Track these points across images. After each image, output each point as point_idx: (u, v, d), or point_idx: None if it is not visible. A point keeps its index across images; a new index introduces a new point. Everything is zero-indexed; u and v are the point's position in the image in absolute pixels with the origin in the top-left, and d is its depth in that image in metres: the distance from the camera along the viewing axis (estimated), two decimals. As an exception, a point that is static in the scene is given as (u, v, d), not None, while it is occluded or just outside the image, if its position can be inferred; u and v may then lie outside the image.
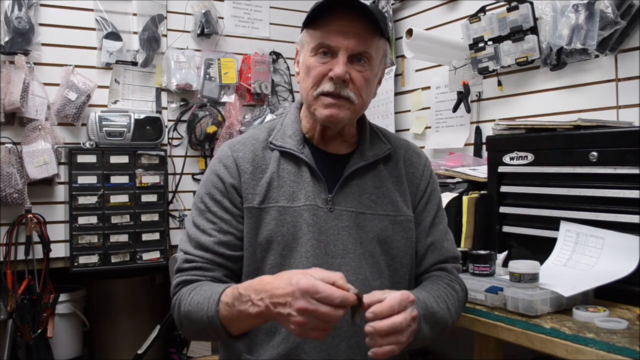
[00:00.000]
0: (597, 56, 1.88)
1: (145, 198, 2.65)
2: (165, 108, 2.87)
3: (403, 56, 2.77)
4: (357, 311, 1.01)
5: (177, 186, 2.85)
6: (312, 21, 1.20)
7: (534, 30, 2.04)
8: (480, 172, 1.96)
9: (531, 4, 2.04)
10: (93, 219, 2.54)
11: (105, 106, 2.72)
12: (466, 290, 1.34)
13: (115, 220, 2.59)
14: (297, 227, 1.21)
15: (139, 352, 2.51)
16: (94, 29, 2.69)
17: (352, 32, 1.17)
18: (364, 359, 1.20)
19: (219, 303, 1.09)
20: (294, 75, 3.14)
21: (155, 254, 2.67)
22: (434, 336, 1.17)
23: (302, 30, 1.26)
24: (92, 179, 2.55)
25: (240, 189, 1.23)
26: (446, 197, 1.88)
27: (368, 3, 1.19)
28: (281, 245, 1.20)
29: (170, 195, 2.81)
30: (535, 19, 2.04)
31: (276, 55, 3.13)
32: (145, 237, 2.65)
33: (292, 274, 1.00)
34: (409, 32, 2.24)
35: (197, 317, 1.12)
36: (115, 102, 2.75)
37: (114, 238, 2.58)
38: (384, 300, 1.01)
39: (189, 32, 2.94)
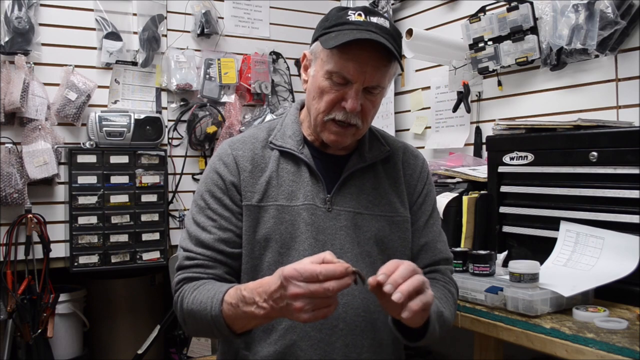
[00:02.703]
0: (597, 56, 1.88)
1: (145, 198, 2.65)
2: (165, 108, 2.87)
3: (403, 56, 2.76)
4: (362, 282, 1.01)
5: (177, 186, 2.85)
6: (332, 43, 1.16)
7: (534, 30, 2.04)
8: (480, 172, 1.96)
9: (531, 4, 2.04)
10: (93, 219, 2.54)
11: (105, 106, 2.72)
12: (458, 293, 1.35)
13: (115, 220, 2.58)
14: (295, 226, 1.22)
15: (139, 352, 2.51)
16: (94, 29, 2.69)
17: (370, 66, 1.16)
18: (360, 357, 1.21)
19: (223, 303, 1.10)
20: (294, 75, 3.15)
21: (155, 254, 2.67)
22: (440, 336, 1.19)
23: (315, 39, 1.23)
24: (92, 179, 2.54)
25: (240, 186, 1.24)
26: (446, 197, 1.88)
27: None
28: (279, 244, 1.22)
29: (170, 195, 2.81)
30: (535, 19, 2.04)
31: (276, 55, 3.13)
32: (145, 237, 2.65)
33: (282, 268, 1.01)
34: (409, 32, 2.24)
35: (200, 316, 1.13)
36: (115, 102, 2.74)
37: (114, 238, 2.58)
38: (398, 268, 1.01)
39: (189, 32, 2.94)
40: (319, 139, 1.29)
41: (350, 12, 1.19)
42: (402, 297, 0.97)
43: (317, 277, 0.96)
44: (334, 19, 1.20)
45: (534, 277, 1.35)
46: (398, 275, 0.99)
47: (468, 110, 2.40)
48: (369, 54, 1.15)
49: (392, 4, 2.84)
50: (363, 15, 1.17)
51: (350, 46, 1.14)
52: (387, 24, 1.18)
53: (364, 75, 1.16)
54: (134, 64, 2.76)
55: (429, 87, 2.71)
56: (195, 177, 2.92)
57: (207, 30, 2.89)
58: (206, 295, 1.13)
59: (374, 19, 1.17)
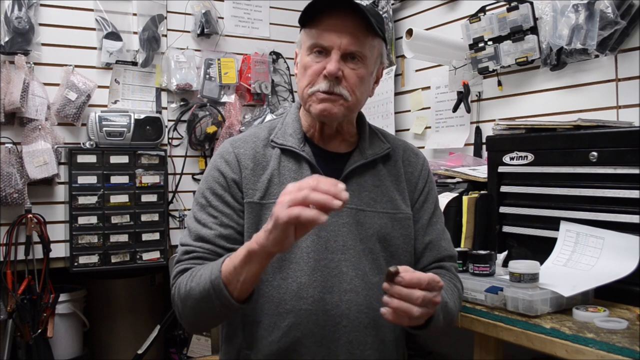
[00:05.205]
0: (597, 56, 1.88)
1: (145, 198, 2.65)
2: (165, 108, 2.87)
3: (403, 56, 2.77)
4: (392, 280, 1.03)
5: (177, 186, 2.85)
6: (307, 20, 1.22)
7: (534, 30, 2.04)
8: (480, 172, 1.96)
9: (531, 4, 2.04)
10: (93, 219, 2.54)
11: (105, 106, 2.72)
12: (463, 289, 1.37)
13: (115, 220, 2.59)
14: None
15: (139, 352, 2.51)
16: (94, 29, 2.69)
17: (346, 32, 1.19)
18: (363, 354, 1.22)
19: (223, 263, 1.09)
20: (294, 75, 3.15)
21: (155, 254, 2.67)
22: (445, 326, 1.20)
23: (300, 30, 1.28)
24: (92, 179, 2.55)
25: (242, 184, 1.25)
26: (446, 197, 1.88)
27: (365, 3, 1.21)
28: None
29: (170, 195, 2.81)
30: (535, 19, 2.04)
31: (276, 55, 3.13)
32: (145, 237, 2.65)
33: None
34: (409, 32, 2.24)
35: (199, 290, 1.11)
36: (115, 102, 2.75)
37: (114, 238, 2.58)
38: (418, 273, 1.03)
39: (189, 32, 2.94)
40: (318, 130, 1.30)
41: None
42: (388, 315, 1.02)
43: (313, 186, 0.94)
44: (308, 3, 1.22)
45: (534, 277, 1.35)
46: (405, 292, 1.01)
47: (468, 110, 2.40)
48: (342, 22, 1.19)
49: (392, 4, 2.85)
50: None
51: (325, 18, 1.19)
52: (364, 3, 1.22)
53: (340, 39, 1.19)
54: (134, 64, 2.76)
55: (429, 87, 2.71)
56: (195, 177, 2.92)
57: (207, 30, 2.90)
58: (207, 268, 1.13)
59: None
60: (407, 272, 1.02)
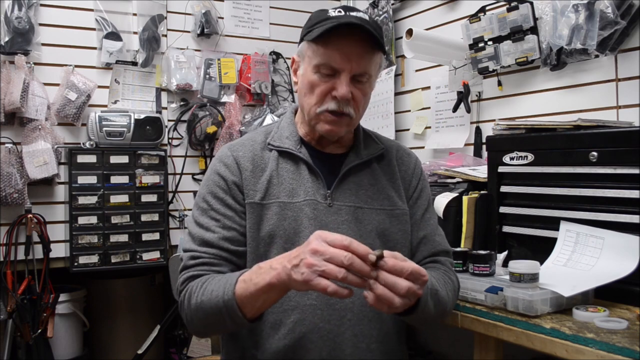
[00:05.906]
0: (597, 56, 1.88)
1: (145, 198, 2.65)
2: (165, 108, 2.87)
3: (403, 56, 2.77)
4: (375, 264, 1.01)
5: (177, 186, 2.85)
6: (316, 37, 1.22)
7: (534, 30, 2.04)
8: (480, 172, 1.96)
9: (531, 4, 2.04)
10: (93, 219, 2.54)
11: (105, 106, 2.72)
12: (459, 285, 1.37)
13: (115, 220, 2.58)
14: (298, 222, 1.25)
15: (139, 352, 2.51)
16: (94, 29, 2.69)
17: (355, 54, 1.21)
18: (369, 347, 1.24)
19: (237, 283, 1.10)
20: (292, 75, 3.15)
21: (155, 254, 2.66)
22: (436, 316, 1.21)
23: (301, 39, 1.29)
24: (92, 179, 2.54)
25: (242, 185, 1.27)
26: (446, 197, 1.88)
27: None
28: (283, 239, 1.24)
29: (170, 195, 2.81)
30: (535, 19, 2.04)
31: (276, 55, 3.13)
32: (145, 237, 2.64)
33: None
34: (409, 32, 2.24)
35: (211, 305, 1.12)
36: (115, 102, 2.74)
37: (114, 238, 2.58)
38: (405, 261, 1.02)
39: (189, 32, 2.94)
40: (315, 137, 1.33)
41: (330, 10, 1.25)
42: (370, 300, 1.00)
43: (347, 247, 0.97)
44: (315, 19, 1.25)
45: (534, 277, 1.35)
46: (391, 280, 0.99)
47: (468, 110, 2.40)
48: (352, 43, 1.20)
49: (392, 4, 2.84)
50: (343, 12, 1.23)
51: (334, 38, 1.19)
52: (366, 17, 1.23)
53: (350, 63, 1.21)
54: (134, 64, 2.76)
55: (429, 87, 2.71)
56: (195, 177, 2.92)
57: (207, 30, 2.89)
58: (218, 284, 1.13)
59: (353, 13, 1.23)
60: (391, 259, 1.00)
